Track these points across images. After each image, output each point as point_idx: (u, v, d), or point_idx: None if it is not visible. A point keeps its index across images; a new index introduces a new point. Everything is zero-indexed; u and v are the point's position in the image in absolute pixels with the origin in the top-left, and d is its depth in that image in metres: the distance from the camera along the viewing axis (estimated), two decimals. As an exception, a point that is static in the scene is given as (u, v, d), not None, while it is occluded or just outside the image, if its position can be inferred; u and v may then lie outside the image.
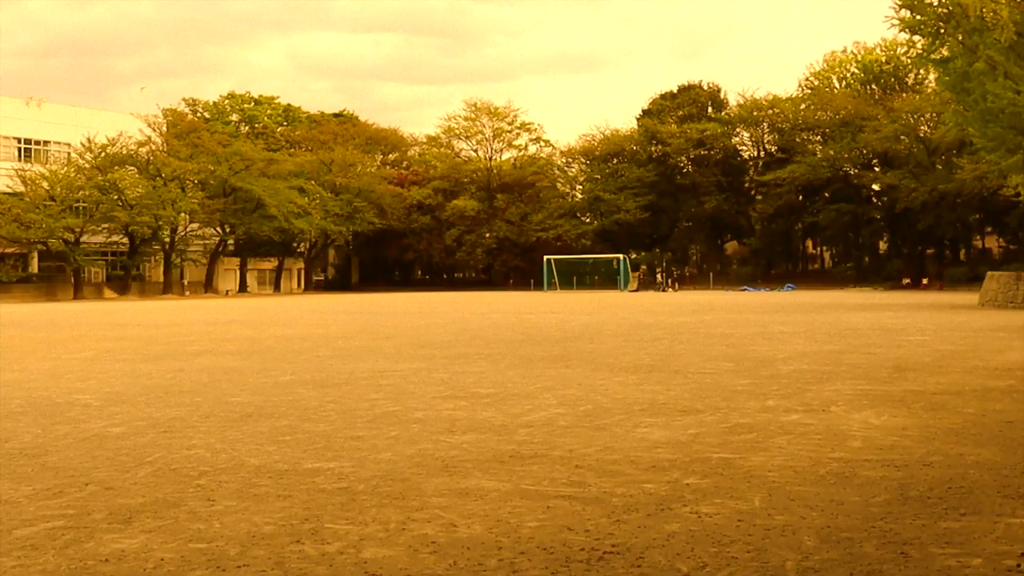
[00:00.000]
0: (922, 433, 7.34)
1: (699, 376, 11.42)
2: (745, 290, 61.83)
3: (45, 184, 59.28)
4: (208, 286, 70.61)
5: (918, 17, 24.32)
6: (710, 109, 78.11)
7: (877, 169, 67.67)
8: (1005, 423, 7.79)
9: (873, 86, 72.51)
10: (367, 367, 13.02)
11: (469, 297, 52.80)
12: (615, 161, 77.49)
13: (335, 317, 29.38)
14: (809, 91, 74.38)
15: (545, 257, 71.11)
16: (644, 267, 72.75)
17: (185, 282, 70.54)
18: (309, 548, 4.46)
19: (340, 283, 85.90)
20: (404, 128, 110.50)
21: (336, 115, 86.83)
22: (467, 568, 4.15)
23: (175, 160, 64.28)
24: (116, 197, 60.54)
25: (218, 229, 70.30)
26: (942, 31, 24.21)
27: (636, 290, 64.16)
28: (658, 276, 67.03)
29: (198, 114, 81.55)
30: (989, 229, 67.72)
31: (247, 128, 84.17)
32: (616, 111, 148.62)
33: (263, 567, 4.18)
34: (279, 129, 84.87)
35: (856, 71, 73.81)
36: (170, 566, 4.21)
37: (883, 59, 71.62)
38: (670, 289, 62.96)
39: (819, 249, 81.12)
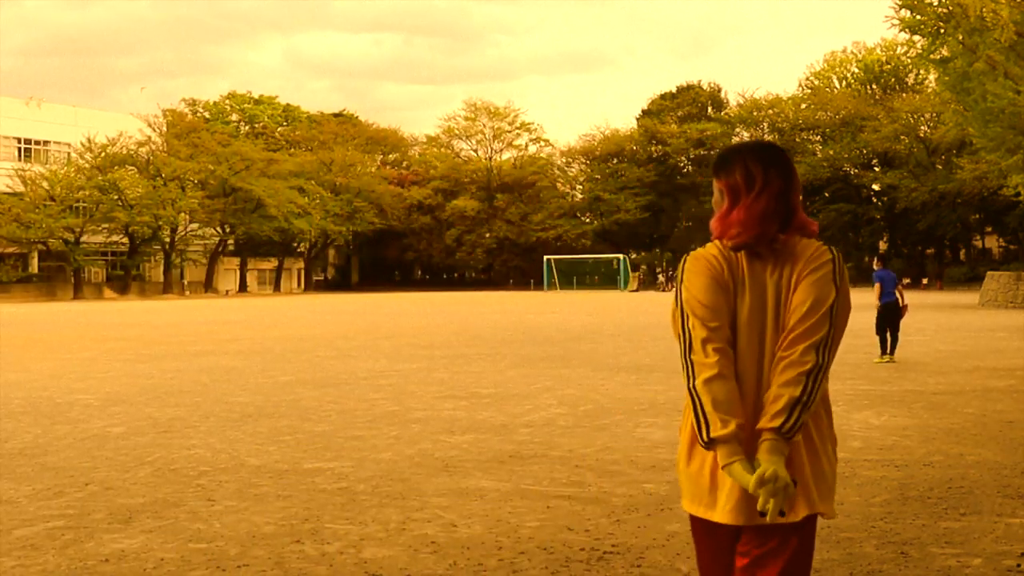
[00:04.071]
0: (922, 433, 7.34)
1: (699, 376, 11.42)
2: (745, 290, 61.75)
3: (45, 184, 59.23)
4: (208, 286, 70.56)
5: (918, 17, 24.29)
6: (710, 109, 78.09)
7: (877, 169, 67.66)
8: (1005, 423, 7.79)
9: (873, 86, 72.45)
10: (367, 367, 13.02)
11: (469, 297, 52.81)
12: (615, 161, 77.45)
13: (335, 317, 29.37)
14: (809, 91, 74.30)
15: (545, 257, 71.10)
16: (644, 267, 72.74)
17: (185, 282, 70.50)
18: (309, 548, 4.45)
19: (340, 283, 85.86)
20: (404, 128, 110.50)
21: (336, 115, 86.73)
22: (467, 568, 4.14)
23: (175, 160, 64.25)
24: (116, 197, 60.50)
25: (218, 229, 70.27)
26: (942, 31, 24.18)
27: (636, 290, 64.14)
28: (659, 276, 67.04)
29: (198, 114, 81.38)
30: (989, 229, 67.66)
31: (247, 128, 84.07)
32: (616, 111, 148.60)
33: (263, 567, 4.18)
34: (279, 129, 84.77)
35: (856, 71, 73.74)
36: (170, 566, 4.21)
37: (883, 59, 71.56)
38: (670, 289, 62.97)
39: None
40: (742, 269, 2.30)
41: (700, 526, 2.35)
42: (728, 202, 2.34)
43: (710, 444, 2.19)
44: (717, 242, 2.35)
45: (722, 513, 2.24)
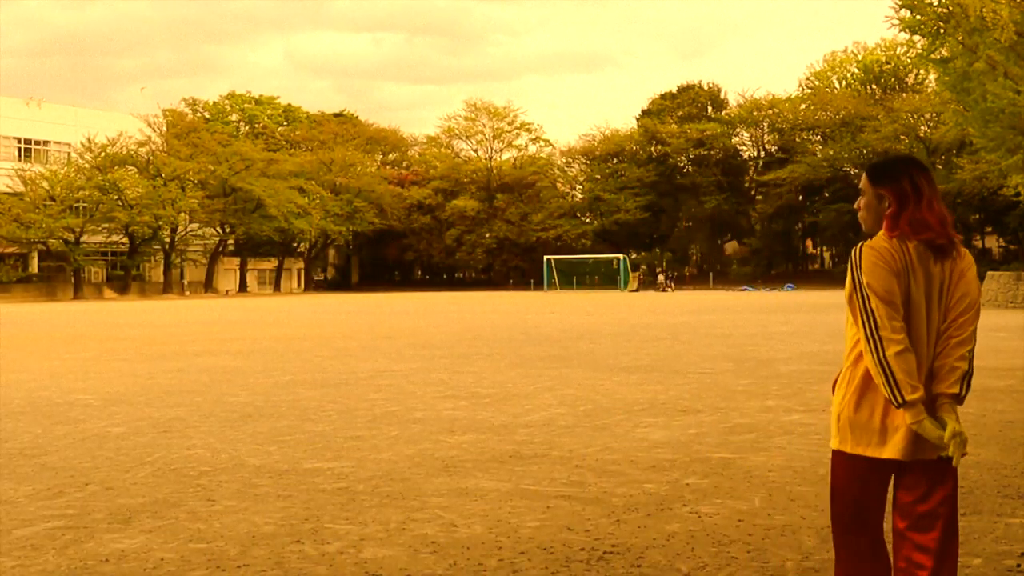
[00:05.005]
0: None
1: (699, 376, 11.42)
2: (745, 290, 61.79)
3: (45, 184, 59.20)
4: (208, 286, 70.54)
5: (918, 17, 24.27)
6: (710, 109, 77.99)
7: (877, 169, 67.66)
8: (1005, 423, 7.79)
9: (873, 86, 72.42)
10: (367, 367, 13.02)
11: (469, 297, 52.81)
12: (615, 161, 77.36)
13: (335, 317, 29.38)
14: (809, 91, 74.26)
15: (545, 257, 71.06)
16: (644, 267, 72.69)
17: (185, 282, 70.48)
18: (309, 548, 4.46)
19: (340, 283, 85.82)
20: (404, 128, 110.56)
21: (336, 115, 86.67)
22: (467, 568, 4.15)
23: (175, 160, 64.22)
24: (116, 197, 60.47)
25: (218, 229, 70.25)
26: (942, 31, 24.17)
27: (636, 290, 64.10)
28: (660, 276, 67.01)
29: (198, 114, 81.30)
30: (989, 229, 67.66)
31: (247, 128, 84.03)
32: (616, 111, 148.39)
33: (263, 567, 4.18)
34: (279, 129, 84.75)
35: (856, 71, 73.72)
36: (170, 566, 4.21)
37: (883, 59, 71.55)
38: (668, 289, 62.90)
39: (819, 249, 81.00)
40: (910, 258, 2.82)
41: (864, 464, 2.86)
42: (895, 206, 2.86)
43: (903, 405, 2.72)
44: (883, 235, 2.86)
45: (893, 451, 2.80)
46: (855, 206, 3.07)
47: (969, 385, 2.81)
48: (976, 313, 2.85)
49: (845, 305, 3.00)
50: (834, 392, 2.99)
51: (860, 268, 2.82)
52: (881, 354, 2.73)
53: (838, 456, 2.93)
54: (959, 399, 2.78)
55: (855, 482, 2.90)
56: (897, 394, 2.72)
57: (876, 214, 2.93)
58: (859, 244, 2.87)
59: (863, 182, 3.00)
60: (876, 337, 2.75)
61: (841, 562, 2.98)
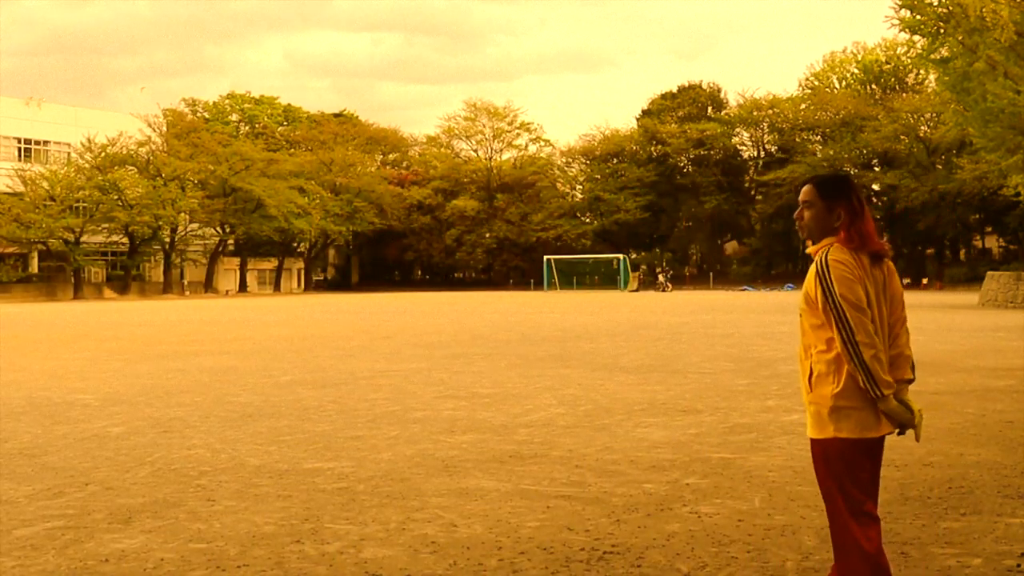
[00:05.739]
0: (922, 433, 7.33)
1: (699, 376, 11.42)
2: (745, 290, 61.77)
3: (45, 184, 59.18)
4: (208, 286, 70.52)
5: (918, 17, 24.31)
6: (710, 109, 77.95)
7: (877, 169, 67.57)
8: (1005, 423, 7.79)
9: (873, 86, 72.42)
10: (367, 367, 13.02)
11: (469, 297, 52.79)
12: (615, 161, 77.35)
13: (335, 317, 29.37)
14: (809, 91, 74.26)
15: (545, 257, 71.06)
16: (644, 267, 72.66)
17: (185, 282, 70.47)
18: (309, 548, 4.46)
19: (340, 283, 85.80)
20: (404, 128, 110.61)
21: (336, 115, 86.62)
22: (467, 568, 4.15)
23: (175, 160, 64.19)
24: (116, 197, 60.44)
25: (218, 229, 70.22)
26: (942, 31, 24.20)
27: (636, 290, 64.08)
28: (660, 276, 66.94)
29: (198, 114, 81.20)
30: (989, 229, 67.61)
31: (247, 128, 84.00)
32: (616, 111, 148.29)
33: (263, 567, 4.18)
34: (279, 129, 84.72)
35: (856, 71, 73.72)
36: (170, 566, 4.21)
37: (883, 59, 71.55)
38: (667, 289, 62.85)
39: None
40: (864, 264, 3.16)
41: (865, 446, 3.16)
42: (847, 219, 3.21)
43: (879, 398, 3.09)
44: (839, 247, 3.17)
45: (887, 427, 3.15)
46: (796, 216, 3.35)
47: (914, 367, 3.26)
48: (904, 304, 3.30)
49: (806, 306, 3.23)
50: (812, 388, 3.20)
51: (831, 281, 3.10)
52: (859, 358, 3.05)
53: (836, 443, 3.15)
54: (911, 382, 3.23)
55: (862, 461, 3.17)
56: (876, 390, 3.07)
57: (825, 226, 3.25)
58: (824, 257, 3.13)
59: (811, 195, 3.28)
60: (853, 342, 3.05)
61: (850, 532, 3.16)
